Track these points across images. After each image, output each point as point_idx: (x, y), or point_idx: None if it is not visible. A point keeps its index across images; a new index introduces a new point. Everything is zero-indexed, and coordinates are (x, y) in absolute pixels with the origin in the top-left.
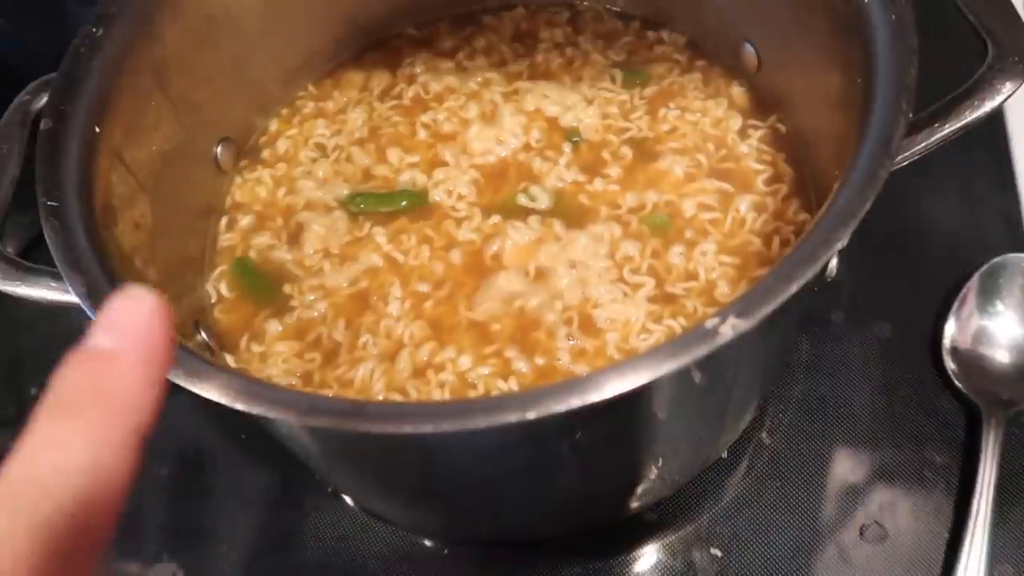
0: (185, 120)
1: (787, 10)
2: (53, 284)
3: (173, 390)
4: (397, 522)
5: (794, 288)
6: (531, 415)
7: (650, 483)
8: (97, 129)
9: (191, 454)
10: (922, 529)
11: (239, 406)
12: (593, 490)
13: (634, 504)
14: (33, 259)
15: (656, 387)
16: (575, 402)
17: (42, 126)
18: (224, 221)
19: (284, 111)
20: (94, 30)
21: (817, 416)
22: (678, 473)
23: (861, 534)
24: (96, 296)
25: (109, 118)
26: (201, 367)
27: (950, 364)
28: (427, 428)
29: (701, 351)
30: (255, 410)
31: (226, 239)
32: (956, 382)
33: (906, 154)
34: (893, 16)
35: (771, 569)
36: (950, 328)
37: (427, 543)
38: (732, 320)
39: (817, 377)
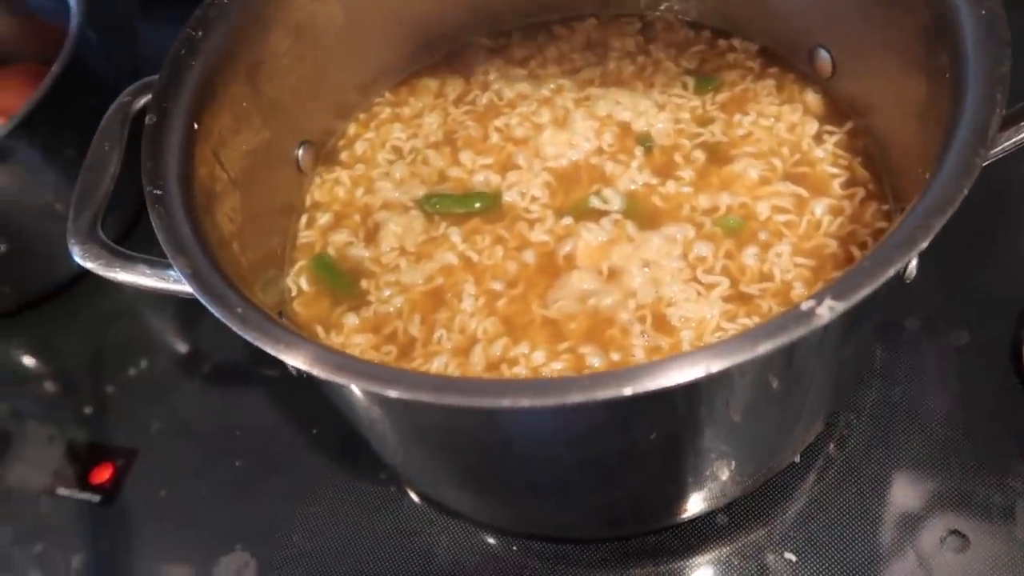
0: (271, 122)
1: (865, 15)
2: (148, 271)
3: (245, 384)
4: (467, 515)
5: (892, 272)
6: (628, 391)
7: (722, 483)
8: (196, 126)
9: (263, 447)
10: (1003, 540)
11: (339, 379)
12: (665, 486)
13: (705, 504)
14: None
15: (737, 375)
16: (677, 377)
17: (147, 121)
18: (304, 219)
19: (362, 116)
20: (194, 33)
21: (891, 424)
22: (750, 475)
23: (941, 543)
24: (199, 278)
25: (206, 116)
26: (301, 343)
27: None
28: (524, 403)
29: (799, 332)
30: (354, 383)
31: (305, 236)
32: None
33: (995, 150)
34: (983, 11)
35: (847, 575)
36: None
37: (493, 540)
38: (829, 302)
39: (891, 385)
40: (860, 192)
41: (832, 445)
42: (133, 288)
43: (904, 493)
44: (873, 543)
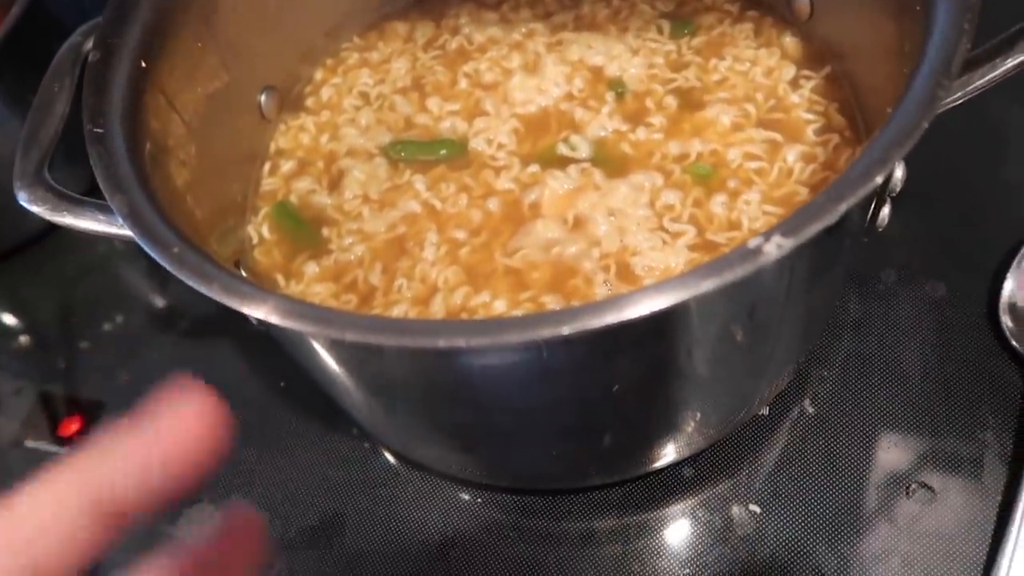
0: (231, 66)
1: None
2: (100, 216)
3: (216, 339)
4: (433, 467)
5: (843, 207)
6: (566, 330)
7: (687, 434)
8: (144, 64)
9: (231, 401)
10: (972, 492)
11: (275, 320)
12: (629, 437)
13: (671, 456)
14: None
15: (696, 317)
16: (612, 318)
17: (90, 58)
18: (267, 167)
19: (329, 61)
20: None
21: (864, 377)
22: (715, 426)
23: (907, 495)
24: (137, 217)
25: (156, 56)
26: (241, 286)
27: (1007, 323)
28: (460, 342)
29: (744, 270)
30: (291, 324)
31: (268, 183)
32: (1013, 341)
33: (967, 89)
34: None
35: (812, 527)
36: (1008, 285)
37: (463, 494)
38: (777, 238)
39: (865, 337)
40: (835, 138)
41: (802, 398)
42: (105, 240)
43: (873, 446)
44: (839, 495)
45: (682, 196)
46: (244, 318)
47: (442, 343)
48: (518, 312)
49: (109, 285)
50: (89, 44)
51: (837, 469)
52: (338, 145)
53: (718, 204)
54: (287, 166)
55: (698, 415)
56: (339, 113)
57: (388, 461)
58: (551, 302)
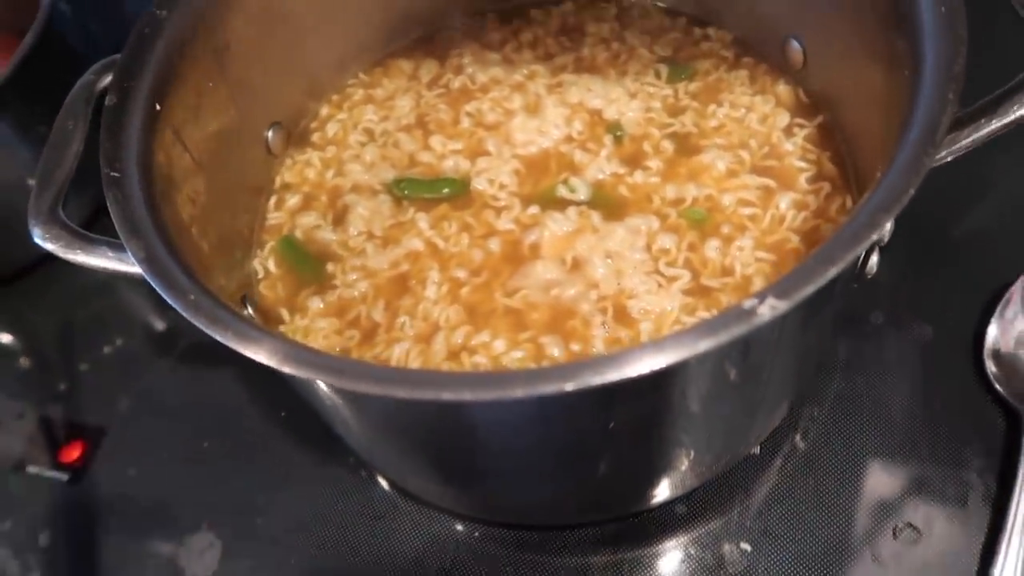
0: (240, 103)
1: (835, 4)
2: (111, 254)
3: (217, 365)
4: (431, 501)
5: (834, 271)
6: (569, 387)
7: (680, 473)
8: (158, 107)
9: (233, 429)
10: (957, 532)
11: (287, 369)
12: (624, 476)
13: (664, 494)
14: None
15: (691, 368)
16: (612, 376)
17: (107, 102)
18: (273, 201)
19: (334, 97)
20: (159, 12)
21: (852, 416)
22: (708, 465)
23: (894, 535)
24: (153, 261)
25: (170, 97)
26: (253, 333)
27: (991, 367)
28: (466, 396)
29: (739, 330)
30: (303, 373)
31: (274, 218)
32: (997, 386)
33: (952, 148)
34: (943, 8)
35: (801, 566)
36: (993, 331)
37: (459, 526)
38: (771, 300)
39: (854, 377)
40: (826, 187)
41: (793, 437)
42: (90, 267)
43: (861, 485)
44: (828, 534)
45: (677, 240)
46: None
47: (447, 396)
48: (518, 352)
49: (111, 309)
50: (103, 82)
51: (826, 508)
52: (343, 180)
53: (712, 249)
54: (292, 200)
55: (691, 455)
56: (344, 149)
57: (387, 493)
58: (550, 343)
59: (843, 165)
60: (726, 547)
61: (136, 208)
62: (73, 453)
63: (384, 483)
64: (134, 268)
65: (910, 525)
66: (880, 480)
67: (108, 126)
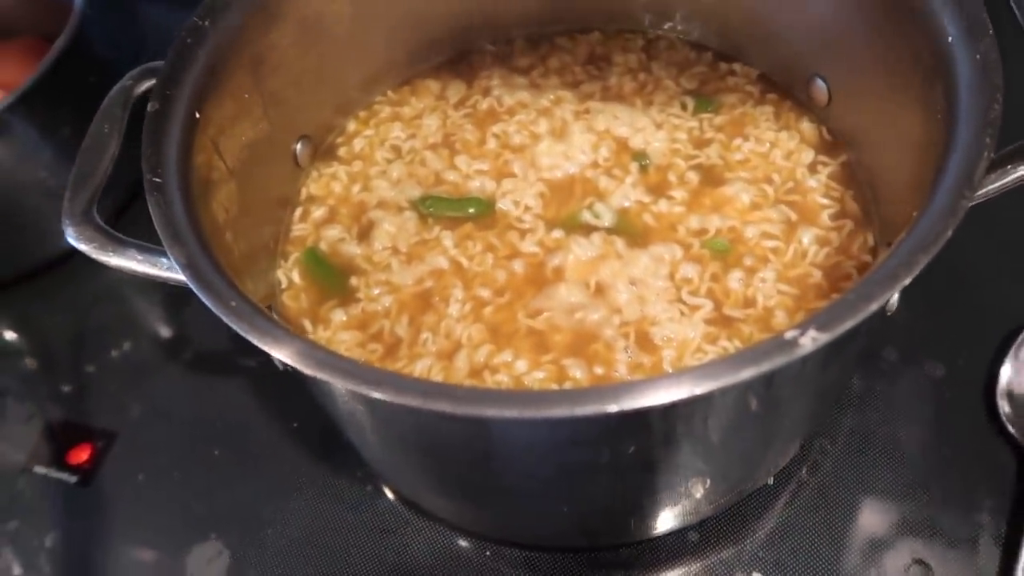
0: (272, 115)
1: (865, 47)
2: (139, 257)
3: (228, 374)
4: (443, 517)
5: (874, 306)
6: (613, 408)
7: (695, 501)
8: (197, 115)
9: (243, 438)
10: (968, 570)
11: (329, 378)
12: (640, 501)
13: (678, 521)
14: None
15: (723, 396)
16: (661, 397)
17: (149, 108)
18: (298, 212)
19: (362, 113)
20: (201, 22)
21: (865, 452)
22: (723, 494)
23: (905, 571)
24: (194, 268)
25: (208, 106)
26: (290, 337)
27: (1005, 408)
28: (511, 413)
29: (781, 360)
30: (344, 382)
31: (299, 229)
32: (1009, 427)
33: (981, 192)
34: (978, 55)
35: None
36: (1006, 373)
37: (467, 544)
38: (812, 332)
39: (867, 413)
40: (848, 224)
41: (805, 469)
42: (122, 270)
43: (872, 520)
44: (839, 568)
45: (700, 270)
46: (258, 354)
47: (491, 412)
48: (540, 373)
49: (124, 313)
50: (140, 88)
51: (838, 541)
52: (369, 196)
53: (735, 280)
54: (318, 213)
55: (707, 484)
56: (371, 164)
57: (397, 507)
58: (572, 365)
59: (865, 204)
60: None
61: (176, 214)
62: (81, 455)
63: (395, 498)
64: (163, 272)
65: (921, 562)
66: (891, 516)
67: (150, 132)
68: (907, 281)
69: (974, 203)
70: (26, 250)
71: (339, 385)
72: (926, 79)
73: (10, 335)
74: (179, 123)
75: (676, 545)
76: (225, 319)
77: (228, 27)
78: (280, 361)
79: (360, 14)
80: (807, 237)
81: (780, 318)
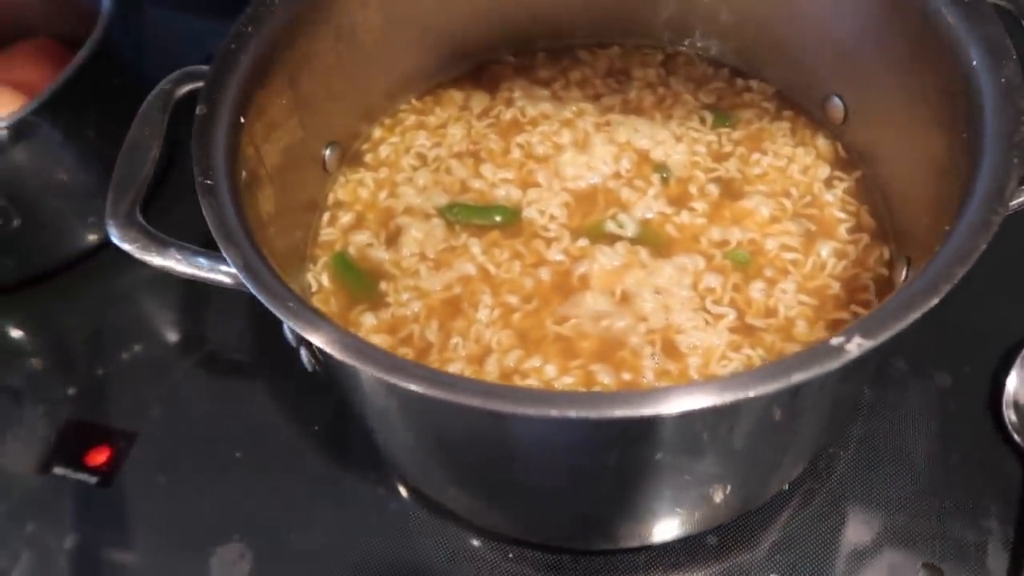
0: (305, 121)
1: (884, 69)
2: (178, 256)
3: (250, 375)
4: (466, 517)
5: (916, 315)
6: (667, 411)
7: (715, 507)
8: (242, 120)
9: (265, 440)
10: (976, 574)
11: (412, 386)
12: (662, 503)
13: (698, 526)
14: None
15: (770, 400)
16: (728, 397)
17: (198, 111)
18: (326, 217)
19: (387, 120)
20: (244, 29)
21: (874, 460)
22: (742, 500)
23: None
24: (251, 269)
25: (251, 111)
26: (376, 353)
27: (1011, 417)
28: (571, 413)
29: (830, 365)
30: (395, 379)
31: (327, 234)
32: (1015, 436)
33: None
34: (1003, 79)
35: None
36: (1012, 382)
37: (488, 546)
38: (858, 339)
39: (876, 422)
40: (865, 238)
41: (818, 476)
42: (139, 269)
43: (884, 526)
44: (852, 571)
45: (723, 280)
46: (289, 358)
47: (555, 412)
48: (568, 378)
49: (140, 314)
50: (179, 92)
51: (849, 546)
52: (395, 202)
53: (756, 290)
54: (346, 218)
55: (728, 489)
56: (397, 171)
57: (421, 511)
58: (600, 371)
59: (880, 218)
60: None
61: (228, 217)
62: (100, 456)
63: (418, 501)
64: (204, 272)
65: (932, 566)
66: (901, 522)
67: (199, 135)
68: (946, 291)
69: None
70: (45, 250)
71: (417, 389)
72: (946, 100)
73: (27, 335)
74: (224, 127)
75: (695, 548)
76: (285, 320)
77: (268, 34)
78: (312, 362)
79: (390, 24)
80: (825, 250)
81: (801, 327)
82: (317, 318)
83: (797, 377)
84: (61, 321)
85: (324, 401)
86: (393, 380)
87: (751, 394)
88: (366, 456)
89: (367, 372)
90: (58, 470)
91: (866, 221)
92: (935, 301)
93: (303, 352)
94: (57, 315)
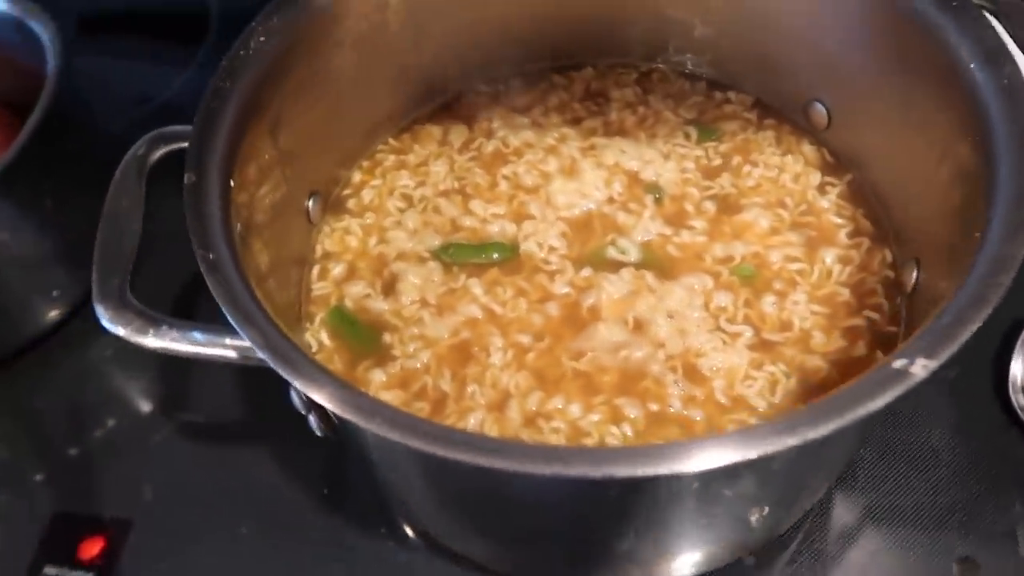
0: (287, 173)
1: (869, 73)
2: (176, 335)
3: (249, 443)
4: (484, 562)
5: (972, 328)
6: (751, 454)
7: (752, 530)
8: (232, 183)
9: (270, 510)
10: (1011, 560)
11: (451, 454)
12: (691, 541)
13: (732, 553)
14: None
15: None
16: (808, 434)
17: (187, 180)
18: (316, 270)
19: (365, 163)
20: (223, 83)
21: (895, 456)
22: (776, 521)
23: (957, 567)
24: (273, 347)
25: (239, 172)
26: (424, 425)
27: (1019, 401)
28: (595, 473)
29: (899, 388)
30: (409, 440)
31: (319, 288)
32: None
33: None
34: (1005, 80)
35: None
36: (1017, 366)
37: None
38: (922, 360)
39: (893, 419)
40: (865, 242)
41: (841, 482)
42: (110, 340)
43: (913, 526)
44: (892, 570)
45: (733, 297)
46: (285, 418)
47: (599, 474)
48: (594, 416)
49: (117, 388)
50: (155, 155)
51: (885, 545)
52: (387, 248)
53: (768, 304)
54: (337, 269)
55: (765, 511)
56: (384, 215)
57: (427, 556)
58: (625, 404)
59: (878, 221)
60: None
61: (238, 293)
62: (94, 549)
63: (437, 560)
64: (205, 349)
65: (968, 559)
66: (930, 520)
67: (192, 206)
68: (996, 301)
69: None
70: (11, 330)
71: (459, 459)
72: (938, 101)
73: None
74: (216, 194)
75: (732, 570)
76: (320, 399)
77: (250, 86)
78: (322, 427)
79: (364, 63)
80: (829, 257)
81: (818, 339)
82: (370, 401)
83: (871, 406)
84: (34, 404)
85: (331, 462)
86: (444, 453)
87: (833, 427)
88: (380, 517)
89: (414, 447)
90: (50, 570)
91: (863, 225)
92: (988, 311)
93: (311, 417)
94: (29, 398)
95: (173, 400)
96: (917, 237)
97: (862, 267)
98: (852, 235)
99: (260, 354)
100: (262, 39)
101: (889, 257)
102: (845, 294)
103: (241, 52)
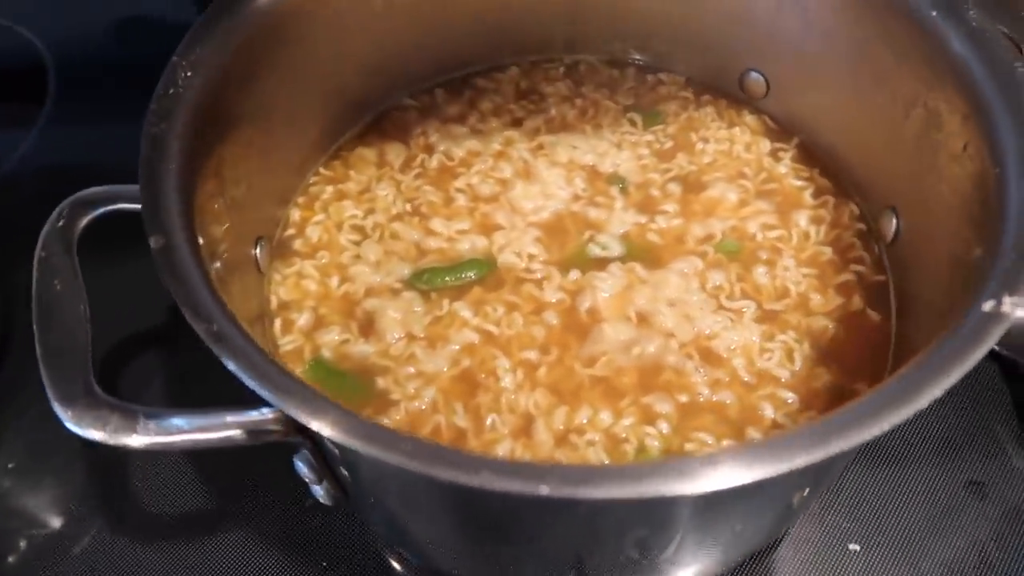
0: (235, 221)
1: (810, 36)
2: (182, 424)
3: (223, 528)
4: None
5: None
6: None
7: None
8: (201, 240)
9: None
10: (1013, 476)
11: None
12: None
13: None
14: None
15: None
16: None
17: (154, 244)
18: (278, 324)
19: (301, 199)
20: (157, 126)
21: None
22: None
23: (965, 490)
24: (305, 403)
25: (199, 225)
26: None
27: None
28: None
29: (998, 332)
30: (440, 472)
31: (288, 343)
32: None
33: None
34: (973, 23)
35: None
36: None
37: None
38: (1008, 298)
39: None
40: (830, 200)
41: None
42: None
43: (916, 461)
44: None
45: (725, 274)
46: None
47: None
48: (627, 420)
49: (52, 498)
50: (82, 223)
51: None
52: (352, 286)
53: (761, 275)
54: (301, 320)
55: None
56: (339, 252)
57: None
58: (654, 401)
59: (835, 177)
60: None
61: (254, 357)
62: None
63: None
64: (216, 434)
65: (974, 482)
66: (929, 453)
67: (171, 275)
68: None
69: None
70: None
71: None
72: (901, 54)
73: None
74: (191, 257)
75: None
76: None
77: (186, 128)
78: (332, 493)
79: (292, 95)
80: (803, 220)
81: (816, 300)
82: (413, 440)
83: (972, 360)
84: None
85: (327, 533)
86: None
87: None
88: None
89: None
90: None
91: (822, 183)
92: None
93: (319, 488)
94: None
95: (120, 502)
96: (892, 186)
97: (834, 224)
98: (816, 195)
99: (291, 413)
100: (188, 74)
101: (856, 210)
102: (828, 252)
103: (170, 91)
